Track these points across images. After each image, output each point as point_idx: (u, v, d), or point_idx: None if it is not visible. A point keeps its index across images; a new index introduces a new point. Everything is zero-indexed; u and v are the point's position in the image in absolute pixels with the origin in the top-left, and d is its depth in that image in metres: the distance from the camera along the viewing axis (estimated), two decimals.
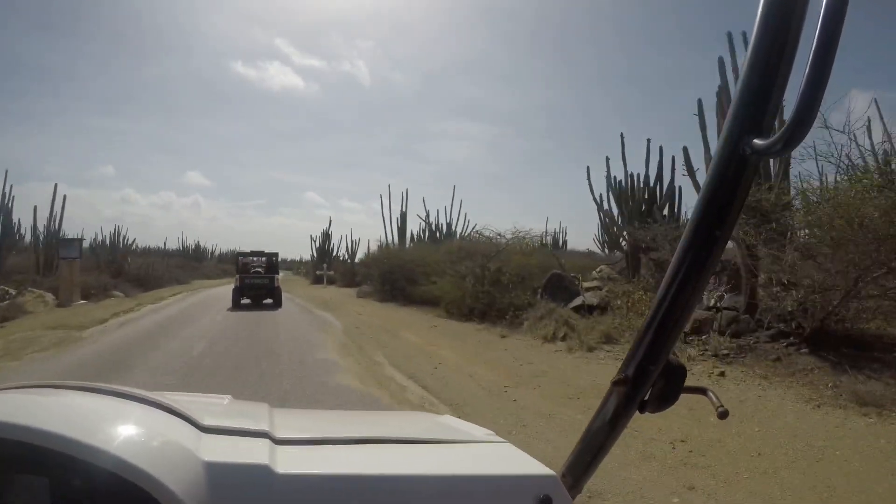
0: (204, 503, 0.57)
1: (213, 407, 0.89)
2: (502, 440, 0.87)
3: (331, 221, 47.87)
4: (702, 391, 0.67)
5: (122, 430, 0.60)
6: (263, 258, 17.13)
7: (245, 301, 14.94)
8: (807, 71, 0.43)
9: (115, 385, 0.75)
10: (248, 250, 18.26)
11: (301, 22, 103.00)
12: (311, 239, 35.71)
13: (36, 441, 0.54)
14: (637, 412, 0.68)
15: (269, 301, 15.21)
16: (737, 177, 0.53)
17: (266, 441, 0.69)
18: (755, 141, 0.50)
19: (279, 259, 18.03)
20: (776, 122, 0.52)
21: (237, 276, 15.68)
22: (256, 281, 15.49)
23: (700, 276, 0.58)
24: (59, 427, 0.56)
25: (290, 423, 0.84)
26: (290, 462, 0.65)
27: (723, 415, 0.63)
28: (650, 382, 0.64)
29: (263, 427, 0.73)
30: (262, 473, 0.61)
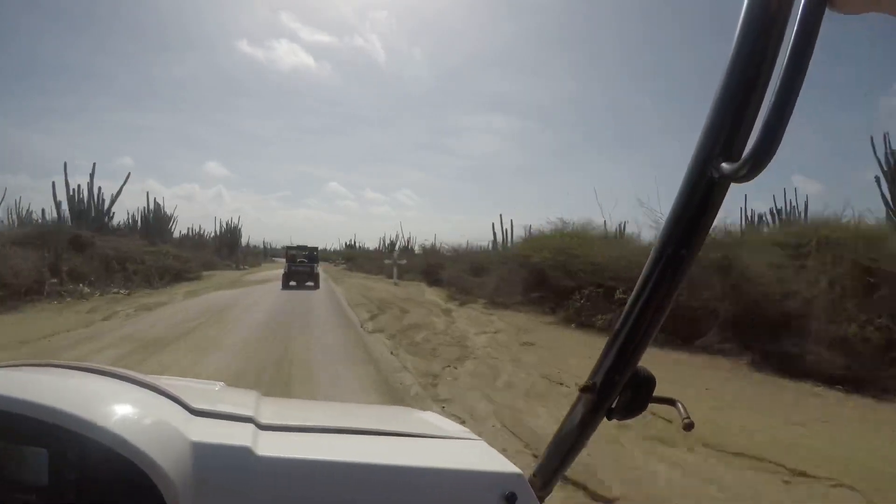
0: (189, 479, 0.61)
1: (205, 392, 0.93)
2: (477, 437, 0.90)
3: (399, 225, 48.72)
4: (671, 402, 0.68)
5: (119, 408, 0.63)
6: (306, 251, 21.63)
7: (291, 283, 19.11)
8: (773, 97, 0.44)
9: (114, 367, 0.79)
10: (294, 245, 23.28)
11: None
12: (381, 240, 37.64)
13: (37, 415, 0.58)
14: (605, 418, 0.69)
15: (310, 284, 19.20)
16: (705, 199, 0.54)
17: (250, 426, 0.73)
18: (723, 165, 0.50)
19: (318, 251, 23.60)
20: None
21: (286, 263, 20.33)
22: (301, 268, 19.76)
23: (667, 292, 0.59)
24: (60, 403, 0.59)
25: (276, 410, 0.88)
26: (270, 446, 0.69)
27: (688, 426, 0.63)
28: (617, 391, 0.65)
29: (249, 413, 0.77)
30: (243, 455, 0.65)
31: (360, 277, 26.27)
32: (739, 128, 0.50)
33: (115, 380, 0.74)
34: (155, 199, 28.86)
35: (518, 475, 0.72)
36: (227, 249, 38.03)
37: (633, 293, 0.61)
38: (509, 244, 20.38)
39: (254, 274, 29.42)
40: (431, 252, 24.51)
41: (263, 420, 0.76)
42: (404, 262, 23.04)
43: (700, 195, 0.54)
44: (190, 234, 35.26)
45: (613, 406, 0.67)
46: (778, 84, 0.44)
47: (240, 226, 42.25)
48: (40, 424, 0.58)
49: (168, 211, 29.36)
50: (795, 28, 0.43)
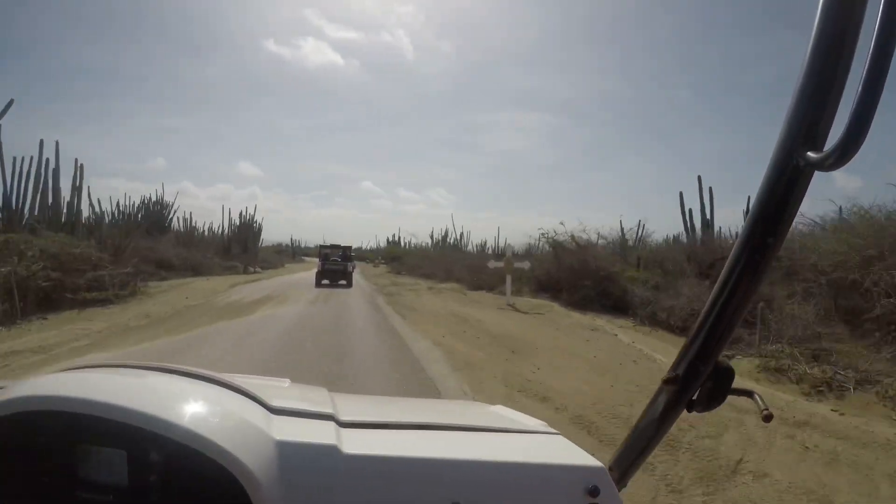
0: (275, 479, 0.60)
1: (277, 389, 0.91)
2: (555, 431, 0.88)
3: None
4: (748, 393, 0.67)
5: (201, 409, 0.63)
6: (340, 250, 21.19)
7: (324, 282, 18.93)
8: (861, 83, 0.44)
9: (190, 367, 0.78)
10: (328, 243, 23.50)
11: None
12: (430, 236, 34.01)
13: (116, 417, 0.58)
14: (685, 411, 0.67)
15: (343, 282, 19.07)
16: (789, 187, 0.54)
17: (332, 423, 0.72)
18: (808, 154, 0.50)
19: (352, 250, 23.80)
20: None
21: (319, 262, 20.13)
22: (334, 267, 19.46)
23: (752, 280, 0.58)
24: (140, 404, 0.60)
25: (351, 407, 0.86)
26: (354, 443, 0.68)
27: (767, 418, 0.63)
28: (699, 382, 0.64)
29: (329, 410, 0.76)
30: (330, 453, 0.65)
31: (429, 292, 15.54)
32: (822, 116, 0.50)
33: (194, 379, 0.73)
34: (158, 191, 26.50)
35: (601, 469, 0.71)
36: (241, 247, 30.08)
37: (718, 283, 0.59)
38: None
39: (258, 282, 19.60)
40: (578, 251, 12.75)
41: (343, 417, 0.75)
42: (527, 265, 13.51)
43: (785, 184, 0.53)
44: (190, 229, 27.85)
45: (694, 398, 0.66)
46: (865, 71, 0.43)
47: (258, 220, 33.37)
48: (119, 426, 0.58)
49: (184, 211, 27.57)
50: (881, 11, 0.43)
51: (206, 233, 30.17)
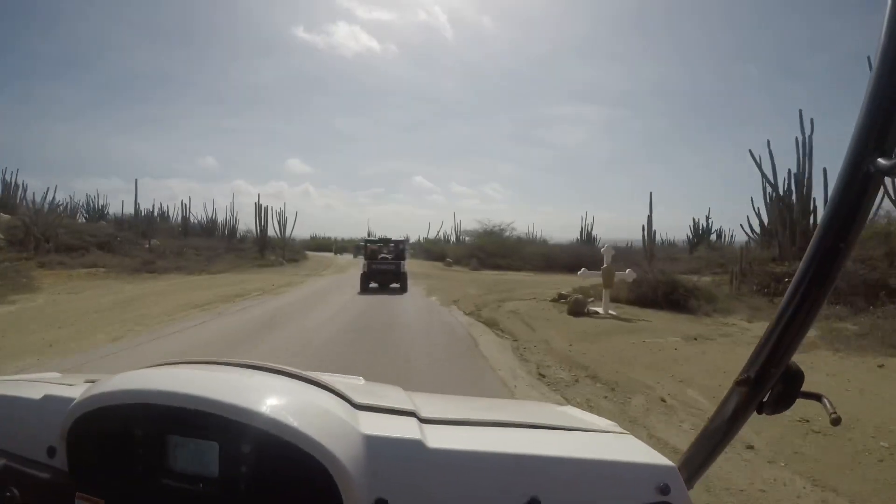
0: (362, 471, 0.64)
1: (355, 387, 0.93)
2: (625, 431, 0.90)
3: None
4: (817, 397, 0.67)
5: (293, 403, 0.66)
6: (391, 244, 17.50)
7: (372, 285, 15.50)
8: None
9: (276, 364, 0.81)
10: (375, 237, 19.22)
11: None
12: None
13: (211, 410, 0.62)
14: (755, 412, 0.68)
15: (395, 285, 15.60)
16: (860, 193, 0.54)
17: (414, 419, 0.76)
18: (879, 160, 0.51)
19: (406, 245, 18.68)
20: None
21: (365, 261, 16.30)
22: (383, 266, 16.01)
23: (823, 284, 0.58)
24: (233, 398, 0.63)
25: (428, 404, 0.88)
26: (437, 438, 0.70)
27: (835, 421, 0.64)
28: (770, 385, 0.65)
29: (410, 407, 0.80)
30: (416, 447, 0.68)
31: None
32: (893, 123, 0.51)
33: (281, 376, 0.77)
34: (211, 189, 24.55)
35: (671, 467, 0.72)
36: (259, 248, 26.77)
37: (791, 287, 0.59)
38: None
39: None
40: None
41: (424, 414, 0.78)
42: (630, 275, 10.55)
43: (856, 190, 0.54)
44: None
45: (765, 400, 0.66)
46: None
47: (280, 213, 29.86)
48: (212, 419, 0.62)
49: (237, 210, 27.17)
50: None
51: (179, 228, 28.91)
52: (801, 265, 0.59)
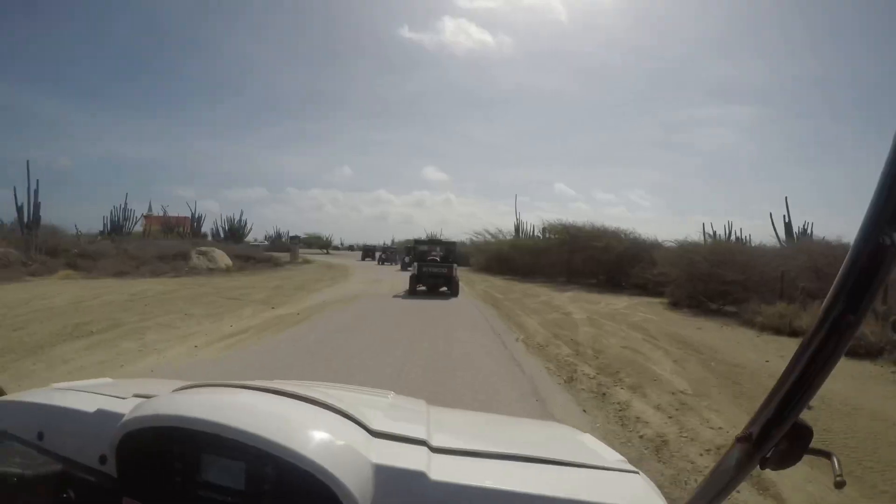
0: (370, 499, 0.69)
1: (379, 405, 1.05)
2: (634, 470, 0.90)
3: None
4: (826, 455, 0.66)
5: (310, 432, 0.73)
6: (440, 247, 17.30)
7: (420, 288, 15.47)
8: None
9: (303, 390, 0.86)
10: (424, 238, 19.81)
11: None
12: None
13: (238, 438, 0.70)
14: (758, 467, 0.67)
15: (445, 289, 15.39)
16: (874, 266, 0.54)
17: (424, 449, 0.81)
18: None
19: (456, 247, 18.63)
20: None
21: (415, 264, 16.20)
22: (433, 270, 15.80)
23: (831, 354, 0.58)
24: (259, 429, 0.70)
25: (444, 425, 0.98)
26: (443, 470, 0.76)
27: (839, 484, 0.62)
28: (773, 443, 0.64)
29: (422, 436, 0.85)
30: (418, 479, 0.73)
31: None
32: None
33: (304, 403, 0.82)
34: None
35: None
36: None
37: (798, 350, 0.60)
38: None
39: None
40: None
41: (435, 443, 0.84)
42: None
43: (870, 261, 0.54)
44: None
45: (768, 455, 0.65)
46: None
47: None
48: (239, 444, 0.70)
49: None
50: None
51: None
52: (808, 332, 0.58)
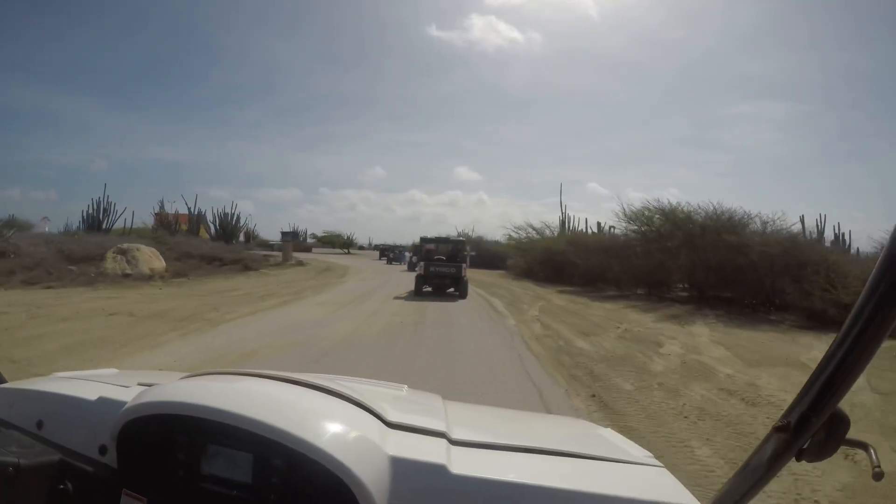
0: (385, 492, 0.66)
1: (394, 398, 1.00)
2: (659, 464, 0.89)
3: None
4: (863, 446, 0.62)
5: (325, 424, 0.69)
6: (448, 246, 16.26)
7: (426, 289, 14.62)
8: None
9: (315, 379, 0.83)
10: (431, 236, 17.27)
11: None
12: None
13: (247, 427, 0.66)
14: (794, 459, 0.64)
15: (452, 291, 14.42)
16: None
17: (444, 441, 0.77)
18: None
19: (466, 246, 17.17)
20: None
21: (421, 263, 15.29)
22: (441, 269, 14.71)
23: (878, 332, 0.53)
24: (269, 417, 0.66)
25: (462, 419, 0.92)
26: (463, 463, 0.72)
27: (877, 476, 0.59)
28: (811, 433, 0.61)
29: (441, 427, 0.81)
30: (438, 472, 0.69)
31: None
32: None
33: (318, 392, 0.79)
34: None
35: None
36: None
37: (843, 330, 0.56)
38: None
39: None
40: None
41: (454, 435, 0.80)
42: None
43: None
44: None
45: (805, 446, 0.63)
46: None
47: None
48: (247, 433, 0.66)
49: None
50: None
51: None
52: (853, 310, 0.54)
